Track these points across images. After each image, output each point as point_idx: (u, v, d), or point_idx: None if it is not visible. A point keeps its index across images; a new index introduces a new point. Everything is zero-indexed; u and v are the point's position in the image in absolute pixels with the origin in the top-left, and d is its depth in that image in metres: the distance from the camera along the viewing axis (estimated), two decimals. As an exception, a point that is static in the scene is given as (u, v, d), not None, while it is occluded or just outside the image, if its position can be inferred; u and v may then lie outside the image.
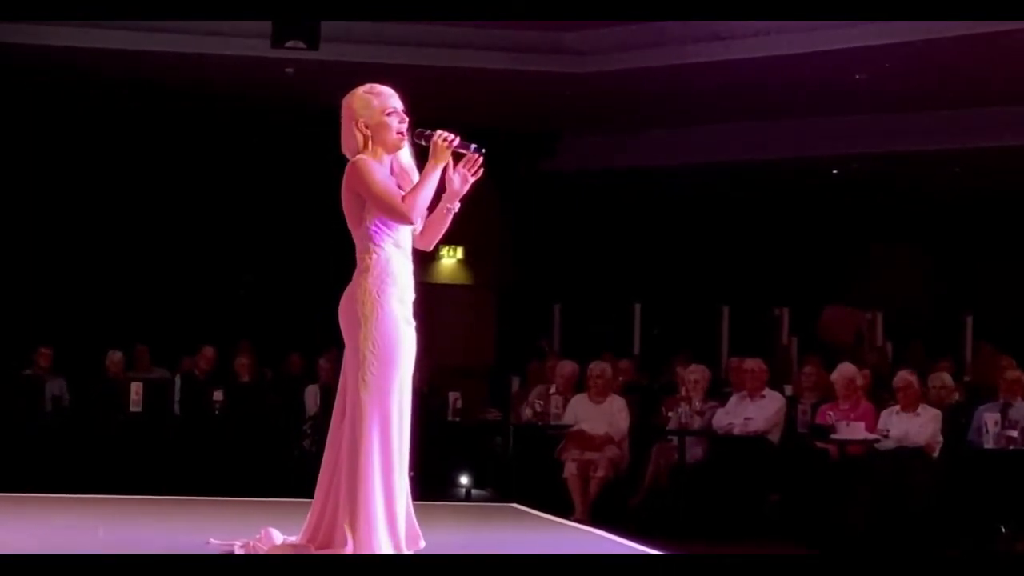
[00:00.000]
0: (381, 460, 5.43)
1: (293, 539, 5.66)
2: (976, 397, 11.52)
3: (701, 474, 11.06)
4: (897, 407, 10.47)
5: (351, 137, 5.66)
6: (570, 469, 11.38)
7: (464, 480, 12.47)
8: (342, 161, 5.74)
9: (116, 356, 12.75)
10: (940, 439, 10.33)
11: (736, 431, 11.02)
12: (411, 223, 5.57)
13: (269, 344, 13.78)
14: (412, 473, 5.64)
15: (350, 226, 5.62)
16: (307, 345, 13.27)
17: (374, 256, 5.53)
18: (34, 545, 6.05)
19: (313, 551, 5.46)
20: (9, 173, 13.83)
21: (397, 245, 5.58)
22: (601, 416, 11.62)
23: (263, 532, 5.75)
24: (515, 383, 13.95)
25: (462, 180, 5.68)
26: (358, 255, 5.58)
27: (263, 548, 5.63)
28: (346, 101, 5.69)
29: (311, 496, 5.69)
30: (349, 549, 5.37)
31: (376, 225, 5.55)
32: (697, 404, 11.37)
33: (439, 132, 5.60)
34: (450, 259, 16.24)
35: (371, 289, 5.50)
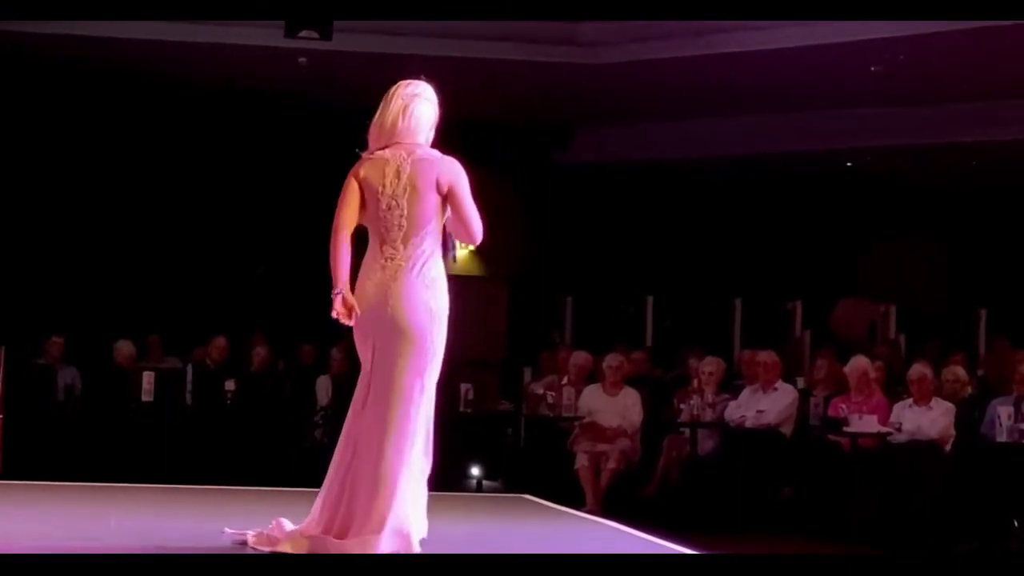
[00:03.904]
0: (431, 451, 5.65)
1: (303, 528, 5.64)
2: (989, 391, 11.48)
3: (713, 466, 11.05)
4: (910, 400, 10.45)
5: (429, 127, 5.71)
6: (582, 461, 11.38)
7: (475, 471, 12.46)
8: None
9: (128, 346, 12.75)
10: (953, 432, 10.31)
11: (748, 424, 11.01)
12: (475, 244, 5.82)
13: (281, 334, 13.76)
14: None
15: (417, 216, 5.59)
16: (320, 336, 13.25)
17: (439, 254, 5.68)
18: (46, 534, 6.05)
19: (333, 540, 5.43)
20: (21, 163, 13.83)
21: None
22: (614, 408, 11.61)
23: (275, 522, 5.73)
24: (527, 374, 13.93)
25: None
26: (421, 247, 5.60)
27: (277, 537, 5.61)
28: (430, 91, 5.74)
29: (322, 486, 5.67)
30: (387, 533, 5.32)
31: (450, 226, 5.72)
32: (709, 396, 11.36)
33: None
34: (462, 250, 16.19)
35: (444, 287, 5.66)
